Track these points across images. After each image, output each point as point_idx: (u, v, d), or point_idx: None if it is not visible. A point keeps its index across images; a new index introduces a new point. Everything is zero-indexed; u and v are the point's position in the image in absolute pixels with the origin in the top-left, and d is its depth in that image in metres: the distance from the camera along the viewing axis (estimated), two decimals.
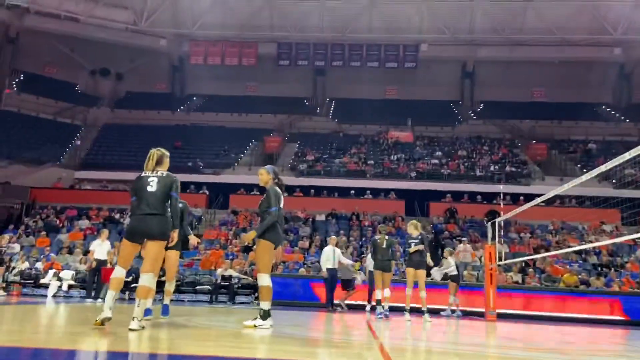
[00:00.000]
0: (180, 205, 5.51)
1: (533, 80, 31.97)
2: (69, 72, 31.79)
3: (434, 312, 11.06)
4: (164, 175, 5.06)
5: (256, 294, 14.10)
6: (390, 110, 30.93)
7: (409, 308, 9.42)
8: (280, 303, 12.91)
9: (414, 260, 9.35)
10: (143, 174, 5.07)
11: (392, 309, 9.83)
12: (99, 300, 12.20)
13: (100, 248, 12.35)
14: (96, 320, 4.81)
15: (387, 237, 9.69)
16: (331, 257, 11.82)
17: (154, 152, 5.22)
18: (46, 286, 13.99)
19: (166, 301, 6.83)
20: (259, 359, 3.78)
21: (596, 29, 28.53)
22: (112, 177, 23.95)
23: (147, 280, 4.94)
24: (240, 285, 14.21)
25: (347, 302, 12.14)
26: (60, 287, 14.04)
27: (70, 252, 16.33)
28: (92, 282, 12.37)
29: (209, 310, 9.98)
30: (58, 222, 19.65)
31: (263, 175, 6.07)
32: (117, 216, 20.25)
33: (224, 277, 14.12)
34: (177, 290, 12.62)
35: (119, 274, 4.97)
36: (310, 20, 30.42)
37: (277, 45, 31.49)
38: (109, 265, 12.70)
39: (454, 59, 31.62)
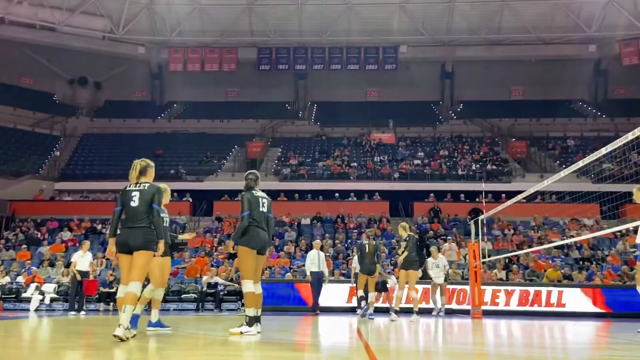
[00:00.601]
0: (145, 187, 5.35)
1: (511, 79, 32.42)
2: (46, 82, 31.33)
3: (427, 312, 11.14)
4: (145, 188, 5.19)
5: (243, 301, 14.06)
6: (372, 112, 31.10)
7: (397, 309, 9.58)
8: (267, 308, 12.83)
9: (404, 262, 9.49)
10: (128, 187, 5.24)
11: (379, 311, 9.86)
12: (82, 312, 12.03)
13: (82, 259, 12.18)
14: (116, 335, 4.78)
15: (374, 241, 9.77)
16: (316, 260, 11.92)
17: (137, 163, 5.32)
18: (28, 300, 13.76)
19: (138, 311, 6.46)
20: None
21: (570, 27, 29.05)
22: (93, 188, 23.64)
23: (133, 287, 5.01)
24: (226, 292, 14.14)
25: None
26: (42, 300, 13.82)
27: (52, 264, 16.08)
28: (75, 294, 12.19)
29: (195, 319, 9.91)
30: (39, 234, 19.33)
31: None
32: (99, 227, 19.99)
33: (209, 285, 14.04)
34: (163, 299, 12.50)
35: (121, 293, 5.06)
36: (290, 24, 30.45)
37: (257, 50, 31.44)
38: (91, 277, 12.53)
39: (433, 59, 31.91)
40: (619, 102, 31.10)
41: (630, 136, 6.36)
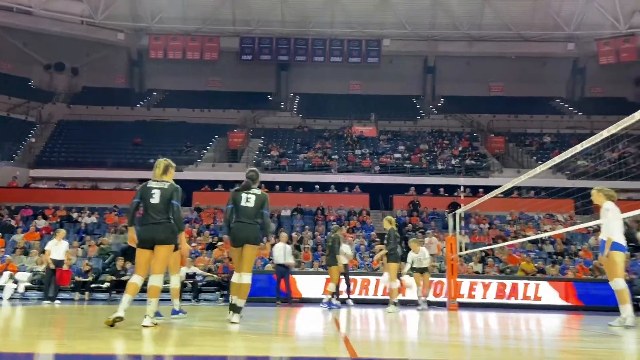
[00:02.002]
0: (166, 185, 5.67)
1: (491, 75, 32.78)
2: (22, 67, 30.55)
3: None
4: (166, 186, 5.47)
5: (222, 292, 14.03)
6: (354, 105, 31.14)
7: (395, 301, 9.86)
8: (247, 299, 12.87)
9: (387, 255, 9.91)
10: (149, 184, 5.50)
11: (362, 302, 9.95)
12: (57, 301, 11.87)
13: (57, 248, 11.97)
14: (108, 319, 5.05)
15: (332, 235, 10.63)
16: (282, 253, 12.25)
17: (161, 162, 5.62)
18: (1, 288, 13.49)
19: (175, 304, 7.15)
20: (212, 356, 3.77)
21: (550, 25, 29.47)
22: (69, 175, 23.23)
23: (156, 280, 5.37)
24: (205, 282, 14.07)
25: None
26: (16, 289, 13.57)
27: (26, 253, 15.78)
28: (49, 283, 12.00)
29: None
30: (13, 222, 18.94)
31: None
32: (74, 215, 19.67)
33: (187, 275, 13.95)
34: (141, 289, 12.41)
35: (135, 280, 5.33)
36: (273, 14, 30.24)
37: (239, 40, 31.17)
38: (65, 267, 12.35)
39: (416, 54, 32.06)
40: (595, 100, 31.71)
41: (605, 134, 6.50)
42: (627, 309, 6.61)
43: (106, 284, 13.73)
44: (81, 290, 13.73)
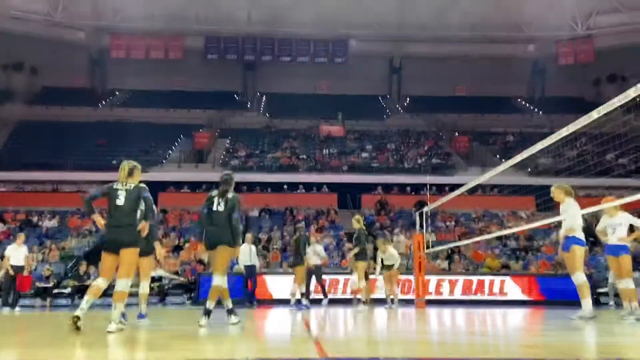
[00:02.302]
0: (131, 187, 5.97)
1: (456, 75, 33.35)
2: None
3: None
4: (132, 188, 5.43)
5: (189, 295, 13.84)
6: (322, 105, 31.19)
7: (364, 299, 10.20)
8: (218, 301, 12.76)
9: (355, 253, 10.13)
10: (114, 186, 5.45)
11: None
12: (17, 308, 11.47)
13: (17, 253, 11.57)
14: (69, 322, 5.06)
15: (299, 235, 10.90)
16: (247, 254, 12.31)
17: (126, 164, 5.56)
18: None
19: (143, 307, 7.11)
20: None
21: (511, 26, 30.24)
22: (29, 178, 22.49)
23: (123, 285, 5.31)
24: (171, 285, 13.85)
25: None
26: None
27: None
28: (9, 289, 11.58)
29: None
30: None
31: None
32: (35, 219, 19.06)
33: (153, 278, 13.68)
34: (104, 293, 12.13)
35: (99, 283, 5.32)
36: (239, 13, 30.00)
37: (204, 39, 30.79)
38: (25, 272, 11.95)
39: (382, 54, 32.36)
40: (554, 100, 32.68)
41: (564, 132, 6.70)
42: (587, 302, 6.83)
43: (69, 290, 13.34)
44: (43, 297, 13.30)
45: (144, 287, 7.17)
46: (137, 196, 5.38)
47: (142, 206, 5.43)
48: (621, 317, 7.13)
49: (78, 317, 5.02)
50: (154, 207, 5.53)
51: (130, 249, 5.31)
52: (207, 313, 5.85)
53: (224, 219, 6.02)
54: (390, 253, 11.21)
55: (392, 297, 11.34)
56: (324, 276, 12.46)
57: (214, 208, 6.08)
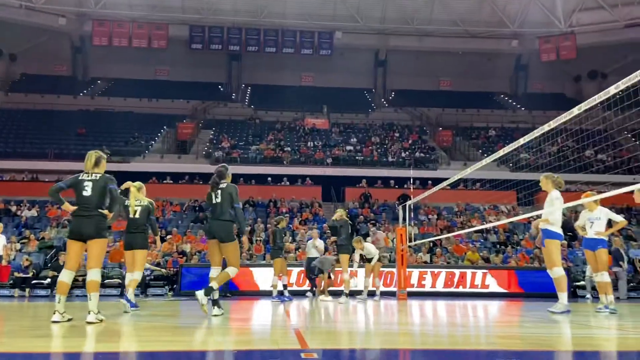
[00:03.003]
0: (145, 203, 7.48)
1: (440, 70, 33.52)
2: None
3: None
4: (98, 178, 5.42)
5: (170, 286, 13.77)
6: (306, 97, 31.11)
7: (347, 292, 10.20)
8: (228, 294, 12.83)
9: (338, 246, 10.36)
10: (81, 177, 5.43)
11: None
12: None
13: None
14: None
15: (275, 227, 10.91)
16: None
17: (92, 154, 5.56)
18: None
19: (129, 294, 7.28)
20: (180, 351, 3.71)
21: (496, 22, 30.43)
22: (7, 167, 22.07)
23: (94, 275, 5.35)
24: (153, 277, 13.76)
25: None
26: None
27: None
28: None
29: (119, 305, 9.57)
30: None
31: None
32: (13, 208, 18.74)
33: None
34: (84, 285, 12.05)
35: (64, 277, 5.29)
36: (224, 2, 29.68)
37: (189, 28, 30.39)
38: (4, 262, 11.76)
39: (367, 47, 32.32)
40: (536, 96, 33.09)
41: (545, 128, 6.79)
42: (564, 296, 6.97)
43: (48, 280, 13.18)
44: (21, 287, 13.12)
45: (135, 275, 7.39)
46: (103, 186, 5.37)
47: (108, 198, 5.43)
48: (597, 309, 7.29)
49: (58, 321, 5.07)
50: (118, 196, 5.64)
51: (98, 240, 5.31)
52: (208, 292, 6.03)
53: (223, 211, 6.11)
54: (368, 249, 11.27)
55: (374, 289, 11.41)
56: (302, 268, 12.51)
57: (214, 201, 6.19)
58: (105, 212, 5.37)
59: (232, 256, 6.22)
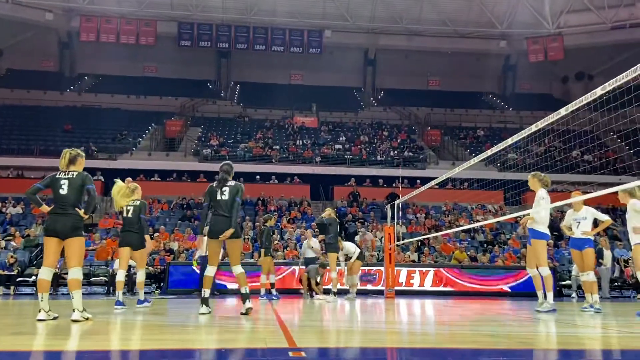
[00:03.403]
0: (137, 202, 7.62)
1: (429, 69, 33.68)
2: None
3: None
4: (74, 176, 5.38)
5: (157, 284, 13.67)
6: (296, 95, 31.08)
7: (335, 290, 10.23)
8: (185, 291, 12.68)
9: (326, 244, 10.39)
10: (57, 175, 5.41)
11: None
12: None
13: None
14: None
15: (263, 226, 10.85)
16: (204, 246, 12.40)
17: (67, 152, 5.53)
18: None
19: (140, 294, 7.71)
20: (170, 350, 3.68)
21: (484, 22, 30.62)
22: None
23: (75, 273, 5.32)
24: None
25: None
26: None
27: None
28: None
29: (107, 303, 9.50)
30: None
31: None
32: None
33: None
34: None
35: (44, 275, 5.30)
36: (213, 0, 29.52)
37: (177, 25, 30.20)
38: None
39: (357, 46, 32.37)
40: (524, 96, 33.38)
41: (533, 128, 6.85)
42: (550, 295, 7.04)
43: (33, 278, 13.03)
44: (6, 285, 12.96)
45: (140, 276, 7.74)
46: (80, 184, 5.34)
47: (86, 197, 5.40)
48: (582, 309, 7.37)
49: (43, 319, 5.08)
50: (96, 197, 5.54)
51: (75, 238, 5.28)
52: (247, 298, 6.03)
53: (229, 207, 6.07)
54: (347, 247, 11.29)
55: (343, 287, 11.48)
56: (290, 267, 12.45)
57: (218, 197, 6.10)
58: (81, 212, 5.33)
59: (239, 254, 6.25)
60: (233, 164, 6.44)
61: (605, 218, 7.55)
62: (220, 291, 12.29)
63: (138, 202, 7.67)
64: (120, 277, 7.57)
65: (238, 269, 6.14)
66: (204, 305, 6.04)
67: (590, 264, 7.44)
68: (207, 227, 6.18)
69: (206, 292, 6.14)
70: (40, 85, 28.73)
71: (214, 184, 6.22)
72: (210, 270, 6.20)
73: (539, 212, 7.08)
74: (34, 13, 28.30)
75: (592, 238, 7.55)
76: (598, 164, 23.76)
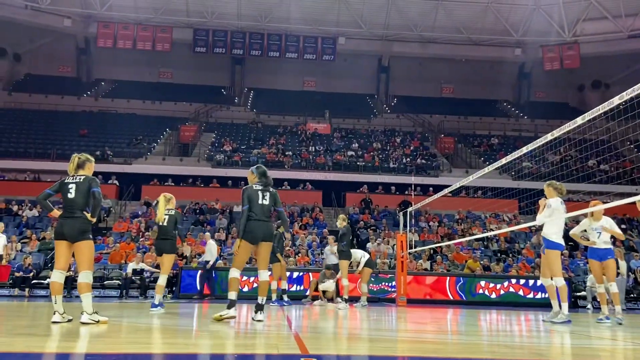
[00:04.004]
0: (172, 212, 7.79)
1: (443, 76, 33.60)
2: None
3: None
4: (82, 180, 5.44)
5: (170, 289, 13.74)
6: (309, 102, 31.17)
7: (346, 297, 10.27)
8: (188, 296, 12.84)
9: (339, 252, 10.38)
10: (65, 180, 5.49)
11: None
12: None
13: None
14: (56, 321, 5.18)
15: (276, 231, 10.74)
16: (210, 250, 13.30)
17: (75, 157, 5.58)
18: None
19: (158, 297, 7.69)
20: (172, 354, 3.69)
21: (499, 30, 30.49)
22: (9, 166, 22.11)
23: (84, 277, 5.36)
24: (152, 279, 13.73)
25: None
26: None
27: None
28: None
29: (120, 306, 9.57)
30: None
31: (249, 176, 6.32)
32: (14, 208, 18.75)
33: (135, 272, 13.59)
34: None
35: (56, 278, 5.37)
36: (228, 7, 29.81)
37: (193, 31, 30.53)
38: (4, 262, 11.76)
39: (371, 53, 32.41)
40: (539, 104, 33.12)
41: (549, 137, 6.79)
42: (560, 305, 6.94)
43: (48, 280, 13.16)
44: (21, 287, 13.11)
45: (162, 281, 7.71)
46: (87, 188, 5.39)
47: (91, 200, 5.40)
48: (598, 320, 7.25)
49: (58, 321, 5.14)
50: (101, 200, 5.56)
51: (83, 242, 5.32)
52: (260, 308, 5.87)
53: (268, 212, 6.07)
54: (354, 255, 11.26)
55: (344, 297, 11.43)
56: (302, 273, 12.45)
57: (260, 201, 6.00)
58: (88, 215, 5.37)
59: (267, 257, 6.14)
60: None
61: (619, 232, 7.44)
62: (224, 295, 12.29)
63: (173, 212, 7.88)
64: (161, 281, 7.69)
65: (264, 275, 6.03)
66: (255, 312, 5.86)
67: (613, 275, 7.33)
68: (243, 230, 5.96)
69: (232, 294, 5.92)
70: (58, 90, 29.17)
71: (256, 187, 6.07)
72: (236, 273, 5.96)
73: (553, 222, 6.99)
74: (52, 19, 28.81)
75: (613, 249, 7.43)
76: (615, 173, 23.45)
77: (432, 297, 13.83)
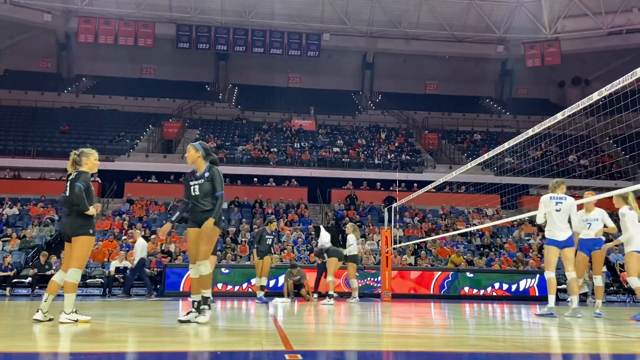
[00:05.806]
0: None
1: (427, 73, 33.78)
2: None
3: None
4: (73, 177, 5.39)
5: (154, 286, 13.63)
6: (294, 98, 31.12)
7: (334, 294, 10.43)
8: (182, 294, 12.66)
9: (333, 250, 10.65)
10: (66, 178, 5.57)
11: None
12: None
13: None
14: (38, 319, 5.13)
15: (260, 228, 11.14)
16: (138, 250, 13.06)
17: (72, 154, 5.54)
18: None
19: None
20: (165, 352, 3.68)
21: (482, 27, 30.75)
22: None
23: (71, 275, 5.19)
24: (136, 277, 13.61)
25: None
26: None
27: None
28: None
29: (102, 304, 9.48)
30: None
31: (190, 153, 5.68)
32: None
33: (118, 270, 13.47)
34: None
35: (56, 277, 5.32)
36: (212, 2, 29.57)
37: (176, 27, 30.23)
38: None
39: (355, 49, 32.44)
40: (521, 100, 33.51)
41: (530, 132, 6.88)
42: (552, 298, 6.99)
43: (29, 279, 12.99)
44: (2, 286, 12.91)
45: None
46: (75, 179, 5.32)
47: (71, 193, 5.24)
48: (596, 314, 7.35)
49: (39, 319, 5.08)
50: (81, 194, 5.20)
51: (77, 238, 5.20)
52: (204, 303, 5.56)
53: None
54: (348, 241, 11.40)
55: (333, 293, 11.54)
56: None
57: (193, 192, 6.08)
58: (92, 210, 5.26)
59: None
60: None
61: (611, 225, 7.43)
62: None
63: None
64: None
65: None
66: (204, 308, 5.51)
67: (599, 268, 7.36)
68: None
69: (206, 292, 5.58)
70: (38, 86, 28.70)
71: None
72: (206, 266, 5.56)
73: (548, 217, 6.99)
74: (32, 14, 28.29)
75: (603, 239, 7.43)
76: (594, 168, 23.85)
77: (417, 291, 13.95)
